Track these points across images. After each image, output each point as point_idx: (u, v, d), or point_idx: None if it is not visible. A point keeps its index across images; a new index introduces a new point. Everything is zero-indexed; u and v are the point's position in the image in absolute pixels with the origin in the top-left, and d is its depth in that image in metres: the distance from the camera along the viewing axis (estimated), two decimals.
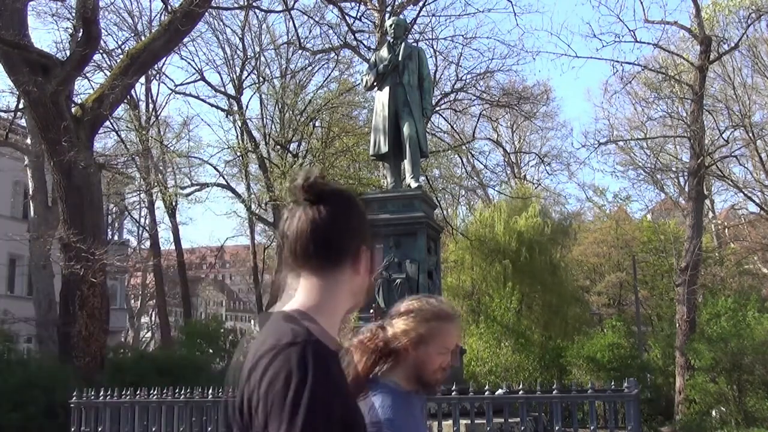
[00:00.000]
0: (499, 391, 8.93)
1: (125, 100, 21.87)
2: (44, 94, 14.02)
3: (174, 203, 27.16)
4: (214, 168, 28.45)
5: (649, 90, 23.17)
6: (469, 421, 8.18)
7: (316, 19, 24.53)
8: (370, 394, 2.16)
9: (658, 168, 25.67)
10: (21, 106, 18.34)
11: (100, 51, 21.05)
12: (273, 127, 26.48)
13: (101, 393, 9.55)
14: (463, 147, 26.36)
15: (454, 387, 8.17)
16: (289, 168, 23.79)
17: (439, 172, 29.58)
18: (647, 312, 29.51)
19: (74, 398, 9.62)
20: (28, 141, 20.44)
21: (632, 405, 8.03)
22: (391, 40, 11.70)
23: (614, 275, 30.93)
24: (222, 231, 76.66)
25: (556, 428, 7.76)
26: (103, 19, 21.03)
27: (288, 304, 1.62)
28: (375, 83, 11.55)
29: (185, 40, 21.86)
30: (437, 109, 23.53)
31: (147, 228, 30.69)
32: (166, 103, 70.73)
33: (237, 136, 26.85)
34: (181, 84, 28.29)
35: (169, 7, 16.35)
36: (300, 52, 25.47)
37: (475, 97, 25.57)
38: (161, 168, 27.23)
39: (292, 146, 25.97)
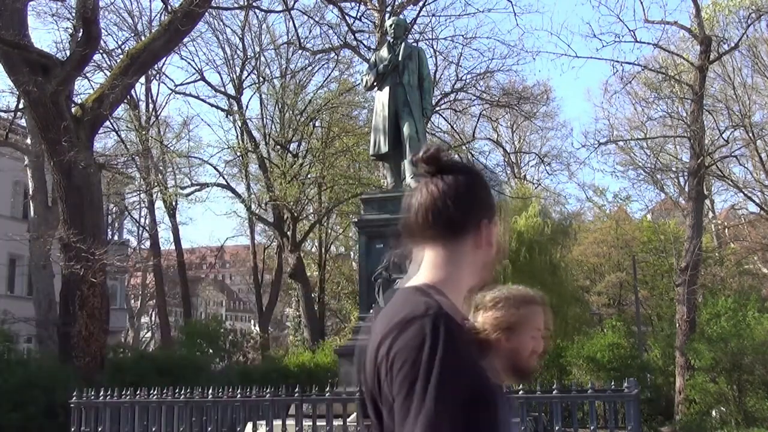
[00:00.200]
0: None
1: (125, 100, 21.88)
2: (44, 94, 14.02)
3: (174, 203, 27.18)
4: (214, 168, 28.45)
5: (649, 90, 23.17)
6: None
7: (316, 19, 24.59)
8: None
9: (658, 168, 25.67)
10: (21, 106, 18.34)
11: (100, 51, 21.06)
12: (273, 127, 26.50)
13: (101, 393, 9.55)
14: (463, 147, 26.38)
15: None
16: (289, 168, 23.80)
17: None
18: (647, 312, 29.51)
19: (74, 398, 9.61)
20: (28, 141, 20.45)
21: (632, 405, 8.03)
22: (391, 40, 11.70)
23: (614, 275, 30.92)
24: (222, 231, 76.73)
25: (556, 428, 7.76)
26: (103, 19, 21.06)
27: (415, 278, 1.63)
28: (375, 83, 11.55)
29: (185, 40, 21.89)
30: (437, 109, 23.55)
31: (147, 228, 30.70)
32: (166, 103, 70.69)
33: (237, 136, 26.89)
34: (181, 84, 28.32)
35: (169, 7, 16.35)
36: (300, 52, 25.51)
37: (475, 97, 25.61)
38: (161, 168, 27.24)
39: (292, 146, 25.98)
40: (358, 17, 22.79)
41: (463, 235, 1.63)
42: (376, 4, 21.73)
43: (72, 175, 14.64)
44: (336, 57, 26.19)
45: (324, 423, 8.28)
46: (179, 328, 28.63)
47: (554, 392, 8.04)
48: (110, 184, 25.75)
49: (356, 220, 12.42)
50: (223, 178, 27.09)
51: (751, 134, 23.25)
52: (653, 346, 22.00)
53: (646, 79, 21.87)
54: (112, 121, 23.17)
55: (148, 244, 32.07)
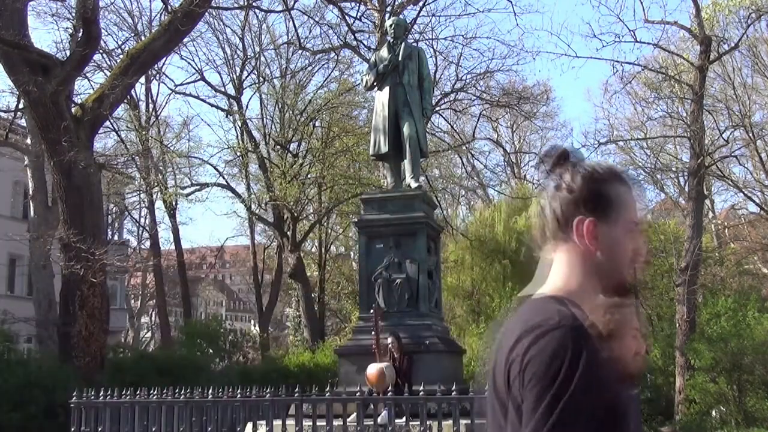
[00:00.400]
0: None
1: (125, 100, 21.88)
2: (44, 94, 14.02)
3: (174, 203, 27.17)
4: (214, 168, 28.43)
5: (649, 90, 23.15)
6: (469, 421, 8.17)
7: (316, 19, 24.57)
8: None
9: (658, 168, 25.65)
10: (21, 106, 18.34)
11: (100, 51, 21.06)
12: (273, 127, 26.50)
13: (101, 393, 9.54)
14: (463, 147, 26.38)
15: (454, 387, 8.17)
16: (289, 168, 23.81)
17: (439, 172, 29.63)
18: (647, 312, 29.48)
19: (74, 398, 9.61)
20: (28, 141, 20.45)
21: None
22: (391, 40, 11.71)
23: None
24: (222, 231, 76.59)
25: None
26: (103, 19, 21.05)
27: (545, 285, 1.60)
28: (375, 83, 11.56)
29: (185, 40, 21.89)
30: (437, 109, 23.53)
31: (147, 228, 30.70)
32: (166, 103, 70.55)
33: (237, 136, 26.88)
34: (181, 84, 28.27)
35: (169, 7, 16.36)
36: (300, 52, 25.50)
37: (475, 97, 25.58)
38: (161, 168, 27.25)
39: (292, 146, 25.98)
40: (358, 17, 22.79)
41: (575, 238, 1.59)
42: (376, 4, 21.72)
43: (72, 175, 14.65)
44: (336, 57, 26.20)
45: (324, 423, 8.28)
46: (179, 328, 28.64)
47: None
48: (110, 184, 25.75)
49: (356, 220, 12.43)
50: (223, 178, 27.12)
51: (751, 134, 23.25)
52: (653, 346, 22.00)
53: (646, 79, 21.85)
54: (112, 121, 23.17)
55: (148, 244, 32.09)
